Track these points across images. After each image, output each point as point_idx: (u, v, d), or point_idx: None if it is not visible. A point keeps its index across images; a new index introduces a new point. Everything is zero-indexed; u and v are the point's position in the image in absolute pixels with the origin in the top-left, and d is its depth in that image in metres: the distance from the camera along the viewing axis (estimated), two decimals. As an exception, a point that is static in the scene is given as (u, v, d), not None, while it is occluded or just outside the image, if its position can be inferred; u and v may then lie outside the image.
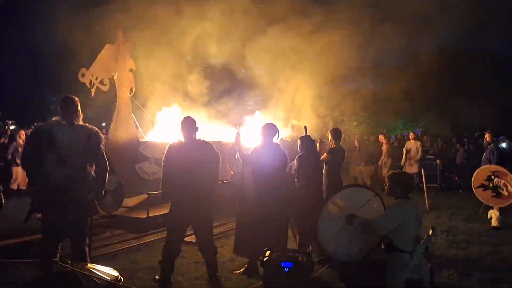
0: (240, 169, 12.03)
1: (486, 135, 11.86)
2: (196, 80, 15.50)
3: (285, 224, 7.85)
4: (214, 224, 7.63)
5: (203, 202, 6.91)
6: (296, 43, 16.31)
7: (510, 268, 8.00)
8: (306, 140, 8.70)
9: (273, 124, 7.89)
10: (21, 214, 6.24)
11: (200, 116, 13.05)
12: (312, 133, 10.65)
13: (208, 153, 7.00)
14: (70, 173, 5.90)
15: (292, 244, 8.34)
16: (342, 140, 9.86)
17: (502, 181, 10.84)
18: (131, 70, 10.87)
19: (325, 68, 16.74)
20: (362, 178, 19.47)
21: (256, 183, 7.47)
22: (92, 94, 10.30)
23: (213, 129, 13.44)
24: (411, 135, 18.45)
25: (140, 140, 10.98)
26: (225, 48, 16.28)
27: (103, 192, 6.41)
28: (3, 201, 7.80)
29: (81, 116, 6.32)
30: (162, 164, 6.95)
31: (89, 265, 4.45)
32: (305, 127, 9.75)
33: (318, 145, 9.93)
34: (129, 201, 11.38)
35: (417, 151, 17.80)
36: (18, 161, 14.53)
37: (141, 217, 10.37)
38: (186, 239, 7.39)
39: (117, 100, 10.61)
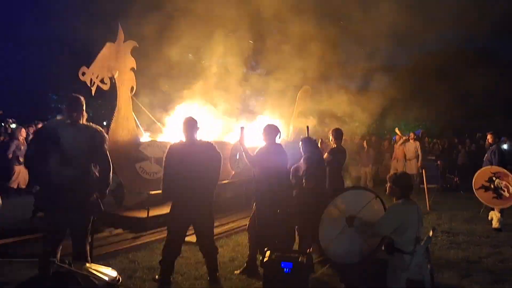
0: (241, 169, 12.06)
1: (488, 136, 11.84)
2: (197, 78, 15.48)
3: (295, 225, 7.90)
4: (215, 224, 7.61)
5: (204, 202, 6.90)
6: (298, 42, 16.31)
7: (511, 270, 7.99)
8: (309, 141, 8.67)
9: (275, 125, 7.90)
10: (20, 212, 6.25)
11: (202, 116, 13.02)
12: (312, 132, 10.60)
13: (209, 153, 7.00)
14: (74, 173, 5.89)
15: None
16: (343, 141, 9.81)
17: (503, 182, 10.83)
18: (132, 68, 10.82)
19: (327, 68, 16.74)
20: (365, 179, 19.49)
21: (263, 184, 7.48)
22: (93, 92, 10.26)
23: (215, 129, 13.40)
24: (411, 135, 18.43)
25: (140, 140, 10.94)
26: (226, 46, 16.24)
27: (107, 191, 6.40)
28: (0, 201, 7.78)
29: (86, 116, 6.32)
30: (163, 164, 6.94)
31: (87, 264, 4.42)
32: (307, 127, 9.72)
33: (319, 145, 9.89)
34: (130, 201, 11.37)
35: (415, 152, 17.82)
36: (20, 159, 14.52)
37: (141, 216, 10.37)
38: (186, 239, 7.36)
39: (118, 99, 10.58)
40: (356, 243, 6.18)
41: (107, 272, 4.38)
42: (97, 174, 6.22)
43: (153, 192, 10.15)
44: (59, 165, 5.80)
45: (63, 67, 23.56)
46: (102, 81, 10.28)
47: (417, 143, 18.00)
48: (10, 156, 14.78)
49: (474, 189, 11.43)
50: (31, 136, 10.72)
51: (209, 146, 7.05)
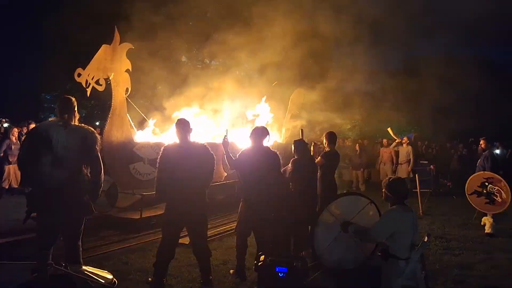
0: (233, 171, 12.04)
1: (481, 142, 11.90)
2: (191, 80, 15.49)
3: (287, 229, 7.88)
4: (208, 226, 7.60)
5: (197, 204, 6.88)
6: (291, 46, 16.33)
7: (504, 275, 8.02)
8: (300, 143, 8.68)
9: (263, 127, 7.89)
10: (12, 212, 6.22)
11: (195, 117, 13.03)
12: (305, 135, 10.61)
13: (202, 154, 6.98)
14: (66, 174, 5.89)
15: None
16: (335, 144, 9.81)
17: (496, 188, 10.88)
18: (127, 70, 10.84)
19: (320, 71, 16.78)
20: (357, 182, 19.51)
21: (245, 187, 7.49)
22: (88, 94, 10.28)
23: (208, 131, 13.40)
24: (405, 139, 18.45)
25: (134, 141, 10.94)
26: (220, 50, 16.27)
27: (99, 192, 6.39)
28: None
29: (78, 117, 6.31)
30: (157, 165, 6.93)
31: (84, 267, 4.41)
32: (302, 130, 9.73)
33: (312, 148, 9.88)
34: (123, 202, 11.34)
35: (407, 156, 17.86)
36: (11, 159, 14.47)
37: (135, 217, 10.34)
38: (179, 241, 7.35)
39: (113, 101, 10.59)
40: (351, 249, 6.18)
41: (103, 275, 4.38)
42: (88, 175, 6.21)
43: (146, 193, 10.14)
44: (51, 166, 5.81)
45: (57, 68, 23.50)
46: (97, 82, 10.30)
47: (410, 147, 18.03)
48: (1, 155, 14.72)
49: (467, 195, 11.47)
50: (23, 136, 10.70)
51: (202, 147, 7.04)
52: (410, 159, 17.84)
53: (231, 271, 7.69)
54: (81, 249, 6.24)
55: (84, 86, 10.13)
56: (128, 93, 10.88)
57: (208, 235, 7.63)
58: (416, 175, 14.95)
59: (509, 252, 9.43)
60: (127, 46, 10.87)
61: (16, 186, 14.76)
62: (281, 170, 8.53)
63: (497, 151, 19.91)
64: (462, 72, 26.27)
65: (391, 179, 6.06)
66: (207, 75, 15.30)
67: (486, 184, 11.10)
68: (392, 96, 25.66)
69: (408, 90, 27.07)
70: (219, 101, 14.81)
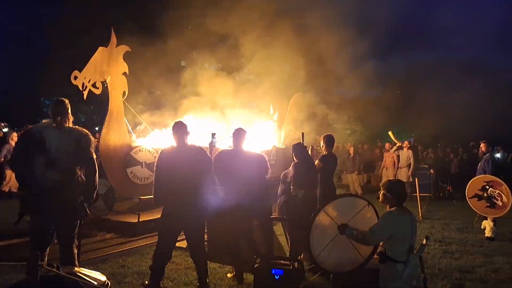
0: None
1: (482, 145, 11.83)
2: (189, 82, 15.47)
3: (267, 232, 7.76)
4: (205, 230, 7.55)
5: (195, 208, 6.83)
6: (291, 49, 16.33)
7: (503, 279, 7.96)
8: (299, 147, 8.63)
9: (242, 129, 7.69)
10: (11, 216, 6.17)
11: (194, 121, 13.02)
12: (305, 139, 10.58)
13: (200, 157, 6.93)
14: (59, 176, 5.85)
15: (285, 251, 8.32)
16: (334, 148, 9.76)
17: (497, 191, 10.81)
18: (124, 73, 10.82)
19: (319, 76, 16.78)
20: (353, 186, 19.46)
21: (223, 191, 7.36)
22: (85, 97, 10.24)
23: (207, 134, 13.36)
24: (405, 143, 18.42)
25: (132, 145, 10.92)
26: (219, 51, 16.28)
27: (94, 194, 6.34)
28: None
29: (72, 119, 6.26)
30: (154, 169, 6.89)
31: (76, 268, 4.35)
32: (302, 134, 9.70)
33: (309, 151, 9.84)
34: (120, 205, 11.33)
35: (407, 160, 17.84)
36: (12, 163, 14.52)
37: (132, 221, 10.31)
38: (176, 244, 7.31)
39: (110, 104, 10.56)
40: (348, 252, 6.10)
41: (96, 277, 4.32)
42: (83, 177, 6.16)
43: (144, 197, 10.11)
44: (45, 168, 5.78)
45: (56, 72, 23.52)
46: (94, 85, 10.29)
47: (410, 151, 18.02)
48: (2, 160, 14.78)
49: (467, 198, 11.41)
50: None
51: (199, 150, 6.99)
52: (410, 163, 17.83)
53: (229, 275, 7.63)
54: (76, 251, 6.20)
55: (81, 89, 10.11)
56: (125, 96, 10.86)
57: (205, 239, 7.59)
58: (416, 179, 14.92)
59: (509, 256, 9.36)
60: (124, 49, 10.85)
61: (15, 191, 14.80)
62: (282, 174, 8.51)
63: (498, 155, 19.86)
64: (461, 75, 26.34)
65: (390, 181, 6.01)
66: (207, 79, 15.24)
67: (487, 187, 11.03)
68: (392, 100, 25.72)
69: (408, 95, 27.14)
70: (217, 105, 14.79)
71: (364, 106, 27.01)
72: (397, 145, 18.40)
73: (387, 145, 19.85)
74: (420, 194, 14.28)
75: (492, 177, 11.04)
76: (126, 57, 10.98)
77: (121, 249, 9.23)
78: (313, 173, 8.52)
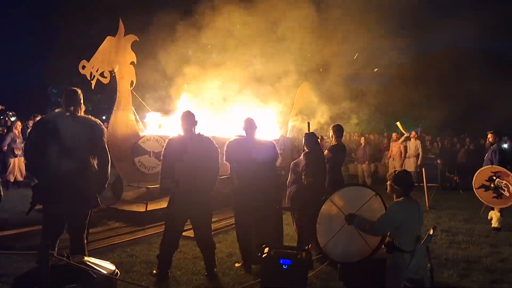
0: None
1: (489, 136, 11.76)
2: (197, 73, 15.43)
3: (279, 220, 7.85)
4: (213, 219, 7.59)
5: (202, 197, 6.87)
6: (298, 39, 16.26)
7: (510, 269, 7.95)
8: (312, 137, 8.62)
9: (251, 118, 7.82)
10: (19, 205, 6.22)
11: (204, 111, 13.02)
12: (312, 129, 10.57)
13: (206, 147, 6.96)
14: (73, 165, 5.85)
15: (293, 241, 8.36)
16: (342, 138, 9.76)
17: (504, 182, 10.78)
18: (132, 62, 10.82)
19: (327, 66, 16.72)
20: (363, 176, 19.45)
21: (240, 179, 7.46)
22: (93, 86, 10.27)
23: (217, 124, 13.36)
24: (413, 133, 18.39)
25: (139, 134, 10.94)
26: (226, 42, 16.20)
27: (106, 184, 6.38)
28: (2, 193, 7.76)
29: (84, 109, 6.29)
30: (161, 158, 6.92)
31: (86, 258, 4.39)
32: (308, 123, 9.69)
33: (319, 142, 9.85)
34: (128, 195, 11.37)
35: (416, 150, 17.83)
36: (16, 152, 14.58)
37: (140, 210, 10.34)
38: (184, 233, 7.37)
39: (117, 93, 10.58)
40: (356, 242, 6.11)
41: (105, 266, 4.36)
42: (95, 167, 6.18)
43: (151, 186, 10.14)
44: (58, 156, 5.78)
45: (63, 61, 23.53)
46: (102, 74, 10.30)
47: (418, 141, 18.04)
48: (5, 148, 14.84)
49: (474, 189, 11.37)
50: (29, 129, 10.70)
51: (206, 140, 7.03)
52: (419, 153, 17.82)
53: (237, 264, 7.68)
54: (86, 241, 6.24)
55: (89, 78, 10.14)
56: (133, 86, 10.87)
57: (213, 228, 7.63)
58: (423, 169, 14.91)
59: (516, 246, 9.39)
60: (132, 38, 10.85)
61: (21, 179, 14.88)
62: (292, 163, 8.55)
63: (505, 146, 19.79)
64: (470, 65, 26.18)
65: (397, 171, 6.02)
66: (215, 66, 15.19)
67: (494, 178, 11.00)
68: (399, 90, 25.62)
69: (414, 84, 27.02)
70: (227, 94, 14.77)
71: (372, 95, 26.90)
72: (405, 135, 18.36)
73: (394, 135, 19.79)
74: (428, 184, 14.29)
75: (499, 167, 11.00)
76: (135, 46, 10.99)
77: (129, 238, 9.26)
78: (322, 163, 8.53)
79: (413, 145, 17.99)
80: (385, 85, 29.50)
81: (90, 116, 6.29)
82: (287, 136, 14.82)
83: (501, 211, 10.96)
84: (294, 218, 8.51)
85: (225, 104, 14.57)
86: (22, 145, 14.32)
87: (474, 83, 26.82)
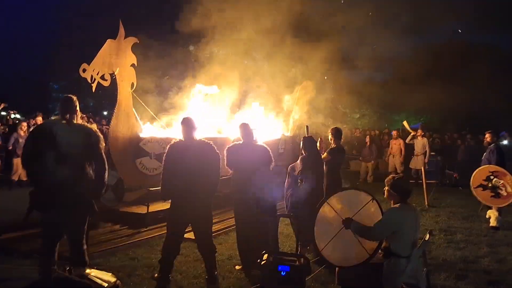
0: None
1: (487, 135, 11.80)
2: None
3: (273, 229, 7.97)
4: (214, 221, 7.65)
5: (202, 202, 6.94)
6: (298, 35, 16.31)
7: (508, 270, 8.05)
8: (309, 141, 8.70)
9: (246, 123, 8.04)
10: (23, 206, 6.28)
11: (203, 111, 13.08)
12: (312, 129, 10.64)
13: (207, 153, 7.02)
14: (70, 172, 5.93)
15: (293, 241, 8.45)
16: (341, 140, 9.82)
17: (501, 182, 10.83)
18: (132, 65, 10.89)
19: (327, 60, 16.75)
20: (365, 173, 19.52)
21: (238, 185, 7.62)
22: (93, 89, 10.35)
23: (217, 125, 13.41)
24: (419, 132, 18.38)
25: (141, 136, 11.00)
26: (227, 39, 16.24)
27: (103, 191, 6.45)
28: None
29: (80, 115, 6.38)
30: (163, 163, 6.99)
31: (87, 270, 4.48)
32: (307, 126, 9.74)
33: (318, 144, 9.90)
34: (129, 196, 11.41)
35: (423, 148, 17.85)
36: (19, 152, 14.67)
37: (141, 212, 10.37)
38: (185, 235, 7.42)
39: (118, 96, 10.65)
40: (353, 246, 6.18)
41: (107, 278, 4.44)
42: (92, 174, 6.26)
43: (152, 188, 10.21)
44: (55, 163, 5.85)
45: (64, 57, 23.57)
46: (102, 77, 10.36)
47: (425, 139, 18.06)
48: (10, 148, 14.97)
49: (472, 188, 11.44)
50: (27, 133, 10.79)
51: (207, 145, 7.08)
52: (426, 151, 17.84)
53: (237, 267, 7.77)
54: (85, 247, 6.31)
55: (90, 81, 10.21)
56: (134, 88, 10.94)
57: (214, 229, 7.72)
58: (422, 167, 14.98)
59: (514, 246, 9.47)
60: (132, 40, 10.91)
61: (25, 179, 14.97)
62: (289, 166, 8.63)
63: (505, 142, 19.84)
64: (472, 59, 26.11)
65: (395, 177, 6.08)
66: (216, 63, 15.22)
67: (491, 177, 11.06)
68: (401, 84, 25.61)
69: (417, 79, 27.00)
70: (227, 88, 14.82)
71: (373, 90, 26.91)
72: (411, 134, 18.41)
73: (394, 132, 19.87)
74: (427, 181, 14.37)
75: (497, 167, 11.05)
76: (136, 48, 11.07)
77: (130, 241, 9.31)
78: (319, 167, 8.61)
79: (420, 143, 17.99)
80: (386, 79, 29.53)
81: (86, 124, 6.39)
82: (288, 135, 14.86)
83: (499, 210, 11.04)
84: (292, 221, 8.59)
85: (225, 104, 14.62)
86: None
87: (477, 77, 26.76)
